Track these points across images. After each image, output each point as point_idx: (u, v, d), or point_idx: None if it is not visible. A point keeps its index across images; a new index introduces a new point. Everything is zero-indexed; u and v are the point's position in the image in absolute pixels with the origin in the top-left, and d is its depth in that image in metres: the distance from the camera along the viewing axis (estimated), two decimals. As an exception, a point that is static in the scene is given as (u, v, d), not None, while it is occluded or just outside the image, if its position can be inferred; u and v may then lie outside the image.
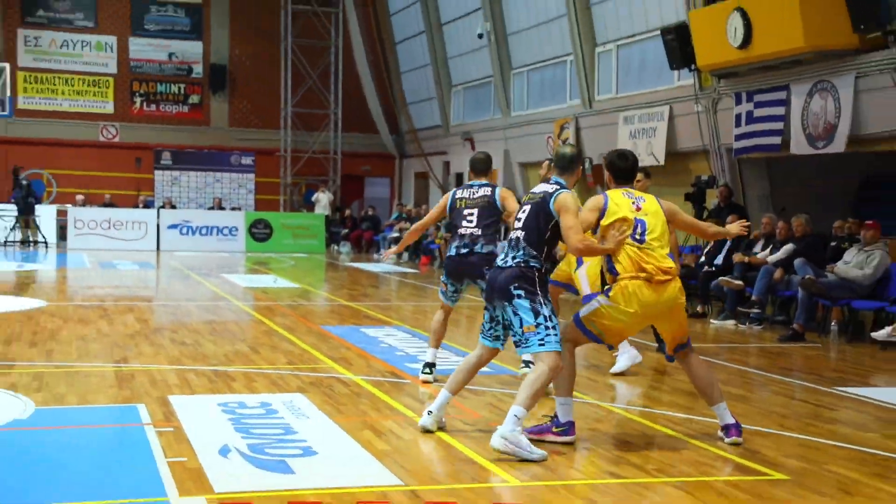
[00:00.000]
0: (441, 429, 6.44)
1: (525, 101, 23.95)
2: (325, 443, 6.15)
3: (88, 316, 12.25)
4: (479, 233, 7.88)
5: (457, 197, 8.14)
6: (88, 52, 29.97)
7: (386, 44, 31.40)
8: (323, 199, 29.66)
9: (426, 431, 6.41)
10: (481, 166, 8.28)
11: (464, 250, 7.91)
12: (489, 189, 8.05)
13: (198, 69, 31.07)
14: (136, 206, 28.16)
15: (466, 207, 8.00)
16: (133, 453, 5.86)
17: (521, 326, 6.06)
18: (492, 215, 7.92)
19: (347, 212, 30.11)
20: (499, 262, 6.32)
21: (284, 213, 29.35)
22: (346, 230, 28.78)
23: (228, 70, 31.08)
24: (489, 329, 6.44)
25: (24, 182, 25.63)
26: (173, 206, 28.35)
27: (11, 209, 25.12)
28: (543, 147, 21.37)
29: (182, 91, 31.04)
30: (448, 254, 8.19)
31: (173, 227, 26.50)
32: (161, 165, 29.50)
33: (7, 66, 25.33)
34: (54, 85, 29.66)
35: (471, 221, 7.93)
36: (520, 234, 6.25)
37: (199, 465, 5.52)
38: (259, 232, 27.19)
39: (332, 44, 31.04)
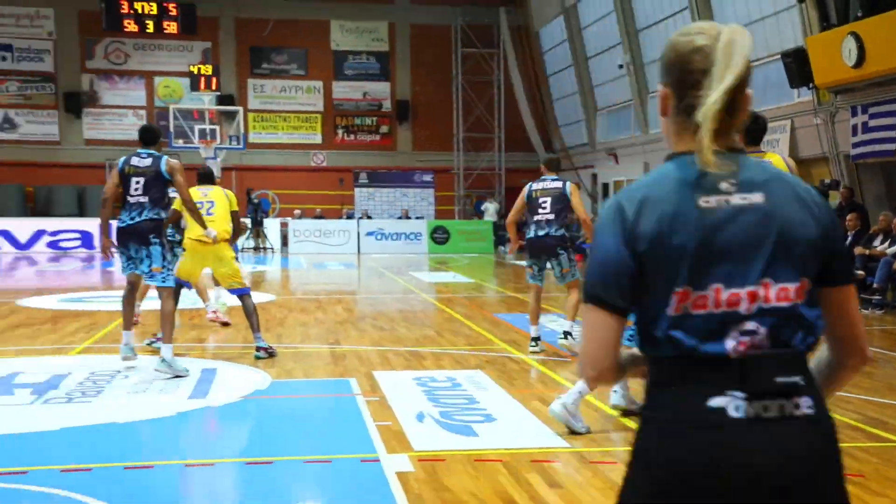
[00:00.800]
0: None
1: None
2: (502, 411, 6.15)
3: (307, 307, 12.64)
4: (553, 218, 8.23)
5: (533, 188, 8.48)
6: (301, 95, 31.09)
7: (540, 77, 31.24)
8: (490, 208, 29.73)
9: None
10: (554, 165, 8.65)
11: (541, 233, 8.29)
12: (560, 182, 8.38)
13: (386, 104, 31.72)
14: (341, 218, 28.96)
15: (541, 197, 8.32)
16: (347, 418, 6.02)
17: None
18: (562, 203, 8.26)
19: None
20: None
21: (459, 221, 29.61)
22: (510, 233, 28.67)
23: (411, 104, 31.58)
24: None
25: (255, 200, 26.74)
26: (370, 217, 28.98)
27: (246, 222, 26.16)
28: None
29: (374, 123, 31.76)
30: (527, 236, 8.44)
31: (370, 233, 27.06)
32: (359, 184, 30.24)
33: (241, 109, 26.47)
34: (275, 122, 30.88)
35: (545, 209, 8.26)
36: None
37: (400, 429, 5.62)
38: (439, 236, 27.49)
39: (495, 79, 31.17)
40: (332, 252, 25.95)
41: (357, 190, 30.21)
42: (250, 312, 8.14)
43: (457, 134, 31.26)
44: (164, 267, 7.25)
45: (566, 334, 8.57)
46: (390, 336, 9.72)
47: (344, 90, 31.40)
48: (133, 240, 7.18)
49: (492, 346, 9.13)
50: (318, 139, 31.21)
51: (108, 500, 4.27)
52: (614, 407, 5.99)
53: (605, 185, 26.18)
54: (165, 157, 7.29)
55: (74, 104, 29.19)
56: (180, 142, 25.10)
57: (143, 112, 29.87)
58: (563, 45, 28.58)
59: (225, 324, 10.15)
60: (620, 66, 24.10)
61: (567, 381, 7.14)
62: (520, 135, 30.81)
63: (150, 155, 7.25)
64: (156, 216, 7.18)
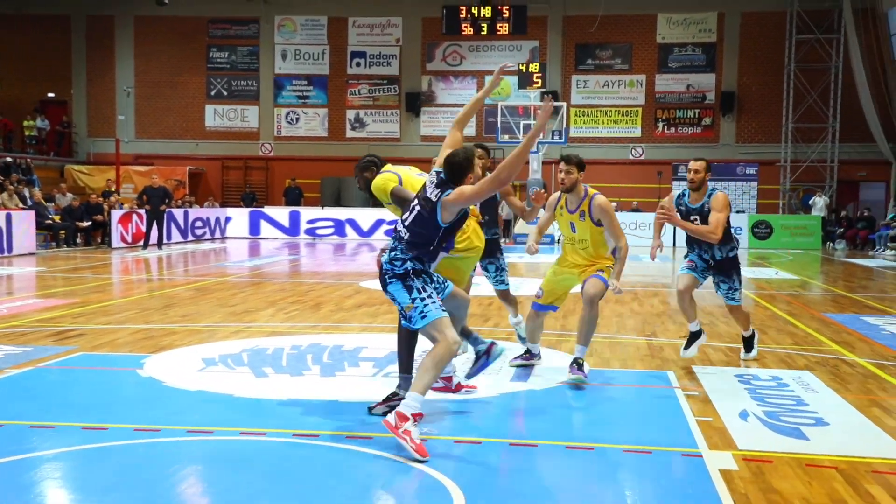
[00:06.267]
0: None
1: None
2: (835, 415, 5.64)
3: (623, 298, 12.47)
4: None
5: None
6: (623, 89, 30.79)
7: (886, 62, 28.31)
8: (819, 202, 27.58)
9: None
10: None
11: None
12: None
13: (710, 96, 30.48)
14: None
15: None
16: (667, 411, 5.84)
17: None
18: None
19: (843, 213, 27.65)
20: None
21: (783, 216, 27.75)
22: (842, 229, 26.43)
23: (737, 95, 30.09)
24: None
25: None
26: (689, 211, 28.03)
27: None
28: None
29: (696, 115, 30.66)
30: None
31: (688, 227, 26.22)
32: (678, 177, 29.33)
33: (564, 104, 26.80)
34: (596, 117, 30.88)
35: None
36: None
37: (722, 425, 5.35)
38: (760, 231, 26.00)
39: (833, 65, 28.77)
40: (649, 245, 25.37)
41: (676, 183, 29.30)
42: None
43: (785, 125, 29.31)
44: None
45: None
46: (709, 331, 9.31)
47: (667, 83, 30.64)
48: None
49: (821, 346, 8.43)
50: (637, 133, 30.78)
51: (443, 470, 4.49)
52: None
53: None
54: None
55: (414, 103, 31.26)
56: (506, 137, 25.97)
57: (473, 109, 31.25)
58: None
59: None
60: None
61: (911, 392, 6.39)
62: (857, 124, 28.22)
63: None
64: None
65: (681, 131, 30.66)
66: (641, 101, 30.75)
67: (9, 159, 25.72)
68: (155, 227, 21.16)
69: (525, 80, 26.61)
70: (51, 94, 32.28)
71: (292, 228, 27.70)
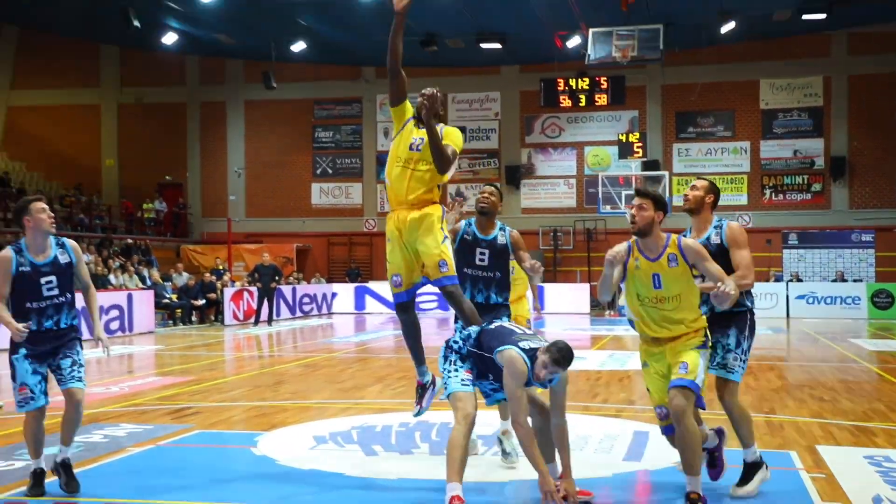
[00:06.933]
0: None
1: None
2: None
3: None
4: None
5: None
6: (726, 156, 30.33)
7: None
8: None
9: None
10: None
11: None
12: None
13: (819, 161, 29.68)
14: (768, 280, 27.51)
15: None
16: (792, 493, 5.57)
17: None
18: None
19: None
20: None
21: (905, 283, 26.52)
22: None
23: (847, 160, 29.22)
24: None
25: (679, 262, 26.50)
26: (800, 280, 27.16)
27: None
28: None
29: (805, 181, 29.86)
30: None
31: (801, 297, 25.46)
32: (788, 245, 28.49)
33: (666, 173, 26.56)
34: (700, 185, 30.44)
35: None
36: None
37: (854, 512, 5.08)
38: (881, 301, 24.89)
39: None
40: (759, 315, 24.59)
41: (785, 251, 28.48)
42: None
43: (901, 189, 28.26)
44: None
45: None
46: (832, 408, 8.90)
47: (772, 149, 30.04)
48: None
49: (957, 426, 7.92)
50: (743, 200, 30.13)
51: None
52: None
53: None
54: None
55: (514, 176, 31.53)
56: (608, 207, 25.83)
57: (573, 181, 31.31)
58: None
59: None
60: None
61: None
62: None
63: None
64: None
65: (789, 198, 29.89)
66: (746, 167, 30.19)
67: (129, 241, 27.06)
68: (265, 303, 21.80)
69: (625, 150, 26.56)
70: (168, 178, 33.97)
71: (396, 302, 28.01)
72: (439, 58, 29.17)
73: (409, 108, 5.89)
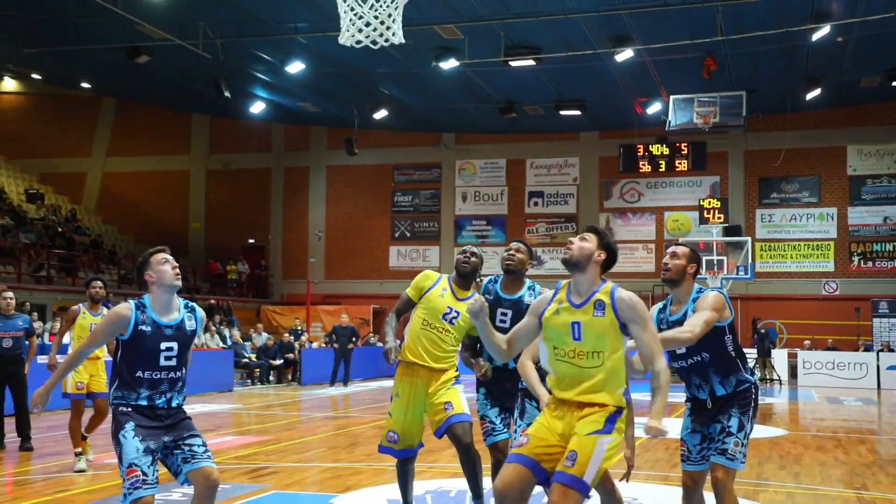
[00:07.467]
0: None
1: None
2: None
3: (825, 444, 11.67)
4: None
5: None
6: (812, 222, 29.63)
7: None
8: None
9: None
10: None
11: None
12: None
13: (910, 228, 28.82)
14: (857, 350, 26.56)
15: None
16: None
17: None
18: None
19: None
20: None
21: None
22: None
23: (939, 226, 28.27)
24: None
25: (762, 330, 25.90)
26: (891, 350, 26.09)
27: (751, 352, 25.39)
28: None
29: (895, 249, 28.95)
30: None
31: (892, 367, 24.41)
32: (878, 314, 27.47)
33: (749, 239, 26.10)
34: (784, 251, 29.74)
35: None
36: None
37: None
38: (980, 373, 23.71)
39: None
40: (847, 386, 23.88)
41: (875, 320, 27.45)
42: None
43: None
44: None
45: None
46: (928, 485, 8.47)
47: (860, 215, 29.23)
48: None
49: None
50: (830, 267, 29.29)
51: None
52: None
53: None
54: None
55: (592, 241, 31.37)
56: (688, 273, 25.39)
57: (652, 245, 30.97)
58: None
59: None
60: None
61: None
62: None
63: None
64: None
65: (879, 265, 28.95)
66: (833, 234, 29.42)
67: (212, 301, 27.75)
68: (342, 364, 22.00)
69: (705, 216, 26.22)
70: (251, 241, 34.88)
71: (471, 366, 27.91)
72: (518, 124, 29.50)
73: (430, 275, 6.03)
